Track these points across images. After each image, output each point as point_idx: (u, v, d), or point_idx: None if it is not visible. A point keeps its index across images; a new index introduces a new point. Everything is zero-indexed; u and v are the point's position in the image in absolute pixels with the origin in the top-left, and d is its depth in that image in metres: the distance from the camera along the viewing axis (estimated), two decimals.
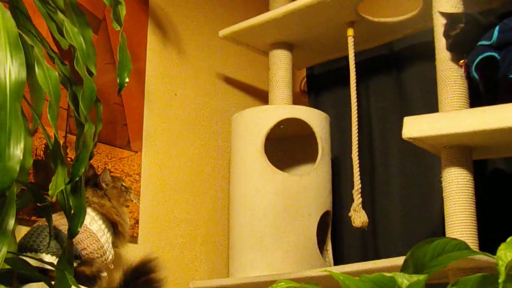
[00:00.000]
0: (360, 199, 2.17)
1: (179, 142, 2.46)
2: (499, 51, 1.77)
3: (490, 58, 1.78)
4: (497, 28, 1.79)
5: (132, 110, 2.31)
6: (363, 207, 2.17)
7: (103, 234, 1.89)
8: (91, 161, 2.06)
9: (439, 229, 2.08)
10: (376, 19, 2.32)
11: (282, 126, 2.32)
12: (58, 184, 1.30)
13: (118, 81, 1.62)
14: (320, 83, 2.70)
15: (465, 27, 1.86)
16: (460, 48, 1.89)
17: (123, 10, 1.63)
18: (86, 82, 1.44)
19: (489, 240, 1.54)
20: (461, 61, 1.89)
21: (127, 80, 1.63)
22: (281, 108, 2.35)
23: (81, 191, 1.43)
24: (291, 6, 2.29)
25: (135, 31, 2.37)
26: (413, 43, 2.42)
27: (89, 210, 1.89)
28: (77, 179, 1.39)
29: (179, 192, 2.42)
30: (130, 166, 2.27)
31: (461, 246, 1.14)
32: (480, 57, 1.79)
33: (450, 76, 1.92)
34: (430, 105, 2.07)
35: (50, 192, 1.30)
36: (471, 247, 1.77)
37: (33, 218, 1.95)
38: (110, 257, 1.90)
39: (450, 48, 1.91)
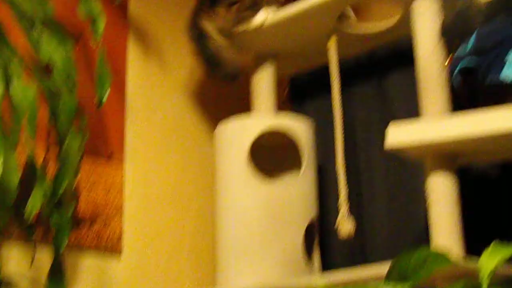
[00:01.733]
0: (346, 211, 2.17)
1: (162, 154, 2.45)
2: (477, 58, 1.76)
3: (468, 66, 1.77)
4: (473, 36, 1.77)
5: (113, 123, 2.30)
6: (349, 213, 2.17)
7: None
8: None
9: (426, 232, 2.08)
10: (355, 32, 2.33)
11: (266, 136, 2.31)
12: (34, 205, 1.28)
13: (97, 96, 1.61)
14: (303, 92, 2.69)
15: (462, 11, 1.78)
16: (453, 34, 1.83)
17: (101, 25, 1.62)
18: (65, 98, 1.44)
19: (476, 244, 1.54)
20: (448, 59, 1.87)
21: (105, 96, 1.62)
22: (265, 118, 2.34)
23: (67, 206, 1.42)
24: (274, 17, 2.29)
25: (115, 42, 2.35)
26: (395, 50, 2.42)
27: None
28: (59, 196, 1.38)
29: (163, 204, 2.41)
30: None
31: (442, 257, 1.13)
32: (459, 67, 1.79)
33: (431, 77, 1.90)
34: (413, 109, 2.06)
35: (25, 215, 1.29)
36: (457, 253, 1.78)
37: None
38: None
39: (443, 32, 1.83)
